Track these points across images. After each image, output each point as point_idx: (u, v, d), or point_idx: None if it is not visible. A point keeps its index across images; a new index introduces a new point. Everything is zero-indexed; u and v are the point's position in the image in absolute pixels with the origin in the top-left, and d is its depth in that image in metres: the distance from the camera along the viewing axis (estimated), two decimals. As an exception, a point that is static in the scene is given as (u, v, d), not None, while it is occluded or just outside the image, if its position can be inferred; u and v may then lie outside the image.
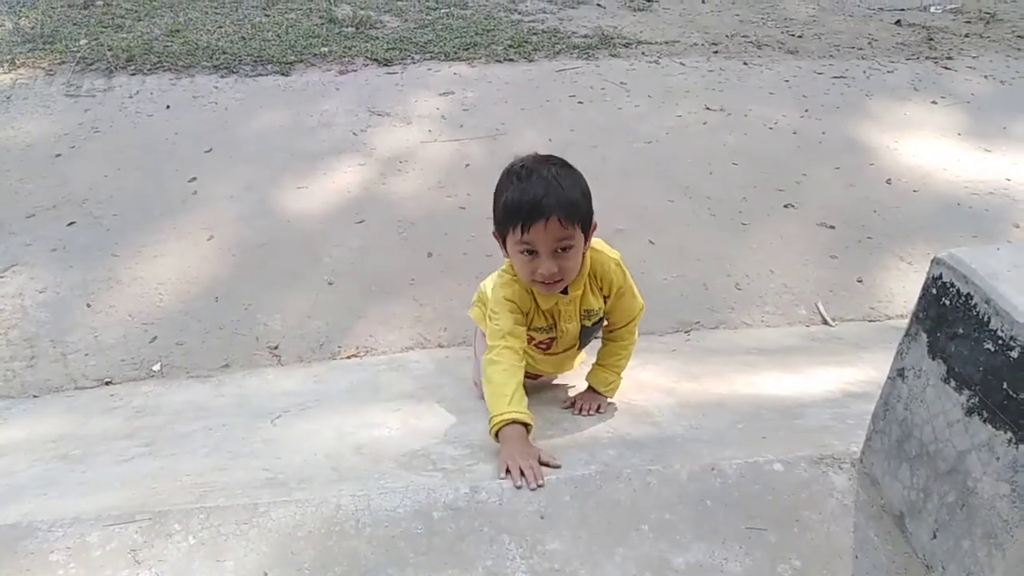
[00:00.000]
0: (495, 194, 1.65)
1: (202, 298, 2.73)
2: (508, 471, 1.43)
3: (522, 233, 1.55)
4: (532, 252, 1.58)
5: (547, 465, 1.46)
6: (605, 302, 1.79)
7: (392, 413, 1.94)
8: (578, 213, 1.57)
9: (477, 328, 2.09)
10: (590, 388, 1.88)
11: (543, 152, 1.68)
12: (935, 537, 1.21)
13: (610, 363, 1.86)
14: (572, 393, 1.95)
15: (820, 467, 1.41)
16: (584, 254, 1.67)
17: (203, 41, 4.67)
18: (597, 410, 1.80)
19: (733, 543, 1.29)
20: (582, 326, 1.81)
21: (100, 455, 1.80)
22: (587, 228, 1.62)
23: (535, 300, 1.74)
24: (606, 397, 1.85)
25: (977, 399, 1.12)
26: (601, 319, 1.83)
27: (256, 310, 2.67)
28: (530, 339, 1.80)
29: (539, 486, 1.39)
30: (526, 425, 1.54)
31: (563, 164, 1.63)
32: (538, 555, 1.26)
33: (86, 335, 2.56)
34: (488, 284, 1.96)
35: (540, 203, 1.53)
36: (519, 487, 1.39)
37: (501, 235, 1.66)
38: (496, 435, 1.54)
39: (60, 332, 2.57)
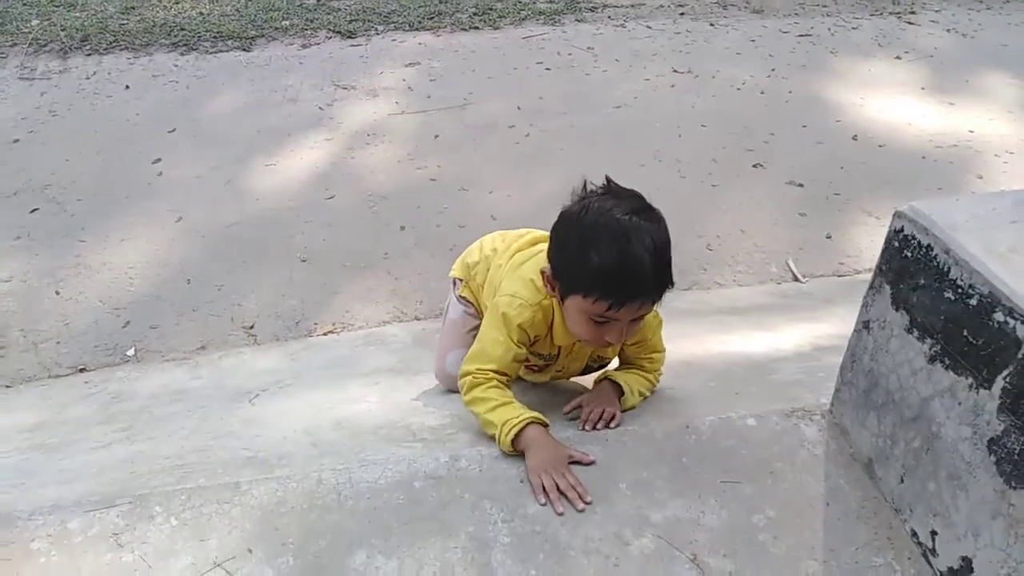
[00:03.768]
0: (572, 235, 1.35)
1: (174, 281, 2.70)
2: (544, 490, 1.29)
3: (609, 308, 1.30)
4: (606, 322, 1.35)
5: (580, 463, 1.36)
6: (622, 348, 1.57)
7: (371, 387, 1.94)
8: (671, 285, 1.36)
9: (445, 314, 1.88)
10: (605, 382, 1.54)
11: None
12: (902, 481, 1.25)
13: (636, 370, 1.58)
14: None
15: (791, 420, 1.44)
16: None
17: (160, 18, 4.56)
18: (609, 423, 1.44)
19: (709, 497, 1.32)
20: (586, 366, 1.66)
21: (77, 442, 1.79)
22: None
23: (551, 333, 1.51)
24: (620, 403, 1.49)
25: (939, 347, 1.15)
26: (607, 363, 1.67)
27: (229, 291, 2.65)
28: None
29: (587, 504, 1.29)
30: (545, 425, 1.40)
31: (655, 214, 1.38)
32: (519, 518, 1.29)
33: (56, 323, 2.53)
34: (476, 255, 1.76)
35: (642, 284, 1.30)
36: (561, 513, 1.27)
37: (568, 288, 1.36)
38: (512, 444, 1.36)
39: (29, 321, 2.53)
